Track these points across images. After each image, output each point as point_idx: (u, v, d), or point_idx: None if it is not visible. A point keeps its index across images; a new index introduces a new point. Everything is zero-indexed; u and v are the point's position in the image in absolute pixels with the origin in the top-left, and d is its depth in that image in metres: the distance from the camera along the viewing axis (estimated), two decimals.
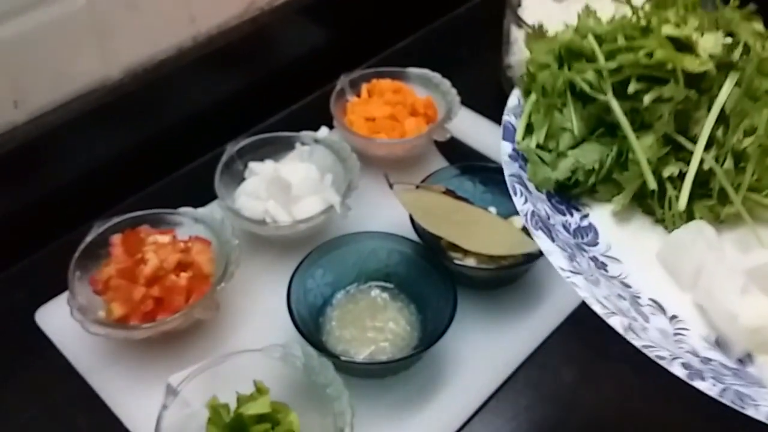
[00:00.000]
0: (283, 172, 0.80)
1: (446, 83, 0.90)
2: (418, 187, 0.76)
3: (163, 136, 0.89)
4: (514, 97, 0.61)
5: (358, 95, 0.92)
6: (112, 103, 0.81)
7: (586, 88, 0.56)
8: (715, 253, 0.54)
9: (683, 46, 0.55)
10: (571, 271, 0.49)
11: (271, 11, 0.94)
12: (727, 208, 0.56)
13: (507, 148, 0.58)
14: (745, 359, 0.50)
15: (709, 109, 0.55)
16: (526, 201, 0.54)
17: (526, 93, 0.60)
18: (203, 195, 0.80)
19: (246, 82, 0.95)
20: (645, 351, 0.46)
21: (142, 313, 0.67)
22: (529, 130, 0.59)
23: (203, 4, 0.86)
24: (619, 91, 0.55)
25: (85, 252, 0.71)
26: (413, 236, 0.74)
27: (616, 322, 0.46)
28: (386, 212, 0.78)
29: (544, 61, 0.59)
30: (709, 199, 0.57)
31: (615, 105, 0.55)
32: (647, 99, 0.54)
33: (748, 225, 0.56)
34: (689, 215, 0.57)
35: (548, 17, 0.87)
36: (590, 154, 0.57)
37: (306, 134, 0.84)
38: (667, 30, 0.55)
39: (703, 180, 0.56)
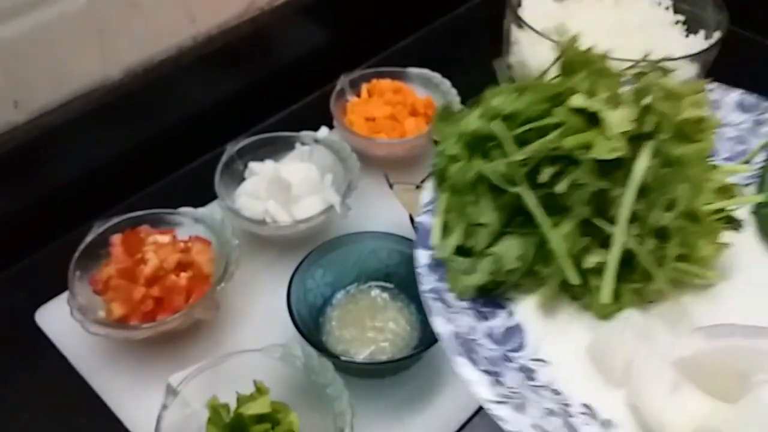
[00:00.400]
0: (283, 172, 0.80)
1: (446, 83, 0.90)
2: (418, 187, 0.76)
3: (163, 136, 0.89)
4: (428, 192, 0.58)
5: (358, 95, 0.92)
6: (112, 103, 0.81)
7: (498, 180, 0.53)
8: (645, 343, 0.52)
9: (595, 118, 0.52)
10: (496, 402, 0.47)
11: (271, 11, 0.94)
12: (653, 285, 0.54)
13: (423, 257, 0.54)
14: None
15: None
16: (445, 321, 0.51)
17: (439, 187, 0.57)
18: (203, 195, 0.80)
19: (246, 82, 0.95)
20: None
21: (142, 313, 0.68)
22: (446, 229, 0.56)
23: (203, 4, 0.86)
24: (534, 177, 0.52)
25: (85, 252, 0.71)
26: (413, 236, 0.74)
27: None
28: (386, 212, 0.78)
29: (453, 153, 0.55)
30: (634, 282, 0.55)
31: (528, 197, 0.52)
32: (560, 187, 0.51)
33: (676, 304, 0.54)
34: (616, 297, 0.55)
35: (548, 17, 0.88)
36: (511, 251, 0.53)
37: (306, 134, 0.84)
38: (576, 102, 0.52)
39: (628, 258, 0.54)
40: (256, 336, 0.71)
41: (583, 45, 0.56)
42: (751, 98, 0.69)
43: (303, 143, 0.84)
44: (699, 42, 0.85)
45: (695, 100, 0.55)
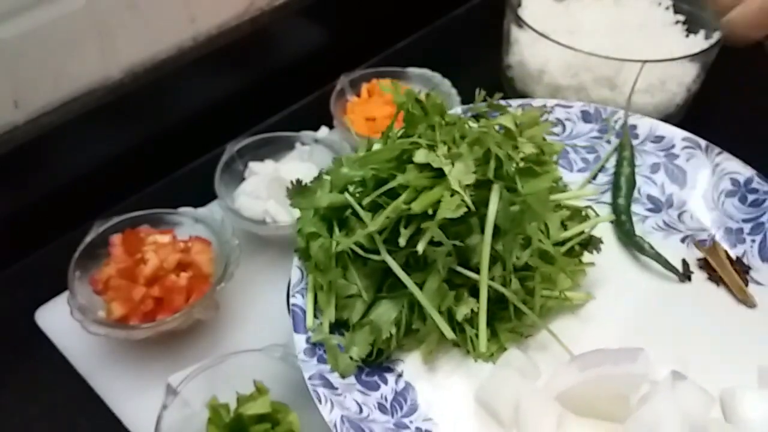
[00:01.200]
0: (283, 172, 0.80)
1: (446, 83, 0.90)
2: None
3: (163, 136, 0.89)
4: (296, 270, 0.58)
5: (358, 95, 0.92)
6: (112, 103, 0.81)
7: (360, 251, 0.54)
8: (529, 381, 0.55)
9: (441, 170, 0.54)
10: None
11: (271, 11, 0.94)
12: (526, 321, 0.57)
13: (301, 341, 0.55)
14: None
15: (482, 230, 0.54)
16: (332, 407, 0.51)
17: (304, 266, 0.58)
18: (203, 195, 0.80)
19: (246, 82, 0.95)
20: None
21: (142, 313, 0.68)
22: (318, 308, 0.57)
23: (203, 4, 0.86)
24: (394, 241, 0.53)
25: (85, 252, 0.71)
26: None
27: None
28: None
29: (311, 230, 0.56)
30: (509, 321, 0.57)
31: (392, 264, 0.53)
32: (420, 247, 0.52)
33: (551, 335, 0.56)
34: (494, 338, 0.57)
35: (548, 17, 0.88)
36: (385, 316, 0.55)
37: (306, 134, 0.84)
38: (420, 157, 0.53)
39: (499, 298, 0.56)
40: (256, 336, 0.71)
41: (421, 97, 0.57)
42: (592, 107, 0.73)
43: (303, 143, 0.84)
44: (699, 42, 0.85)
45: (531, 135, 0.57)
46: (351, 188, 0.57)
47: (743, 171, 0.68)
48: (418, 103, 0.57)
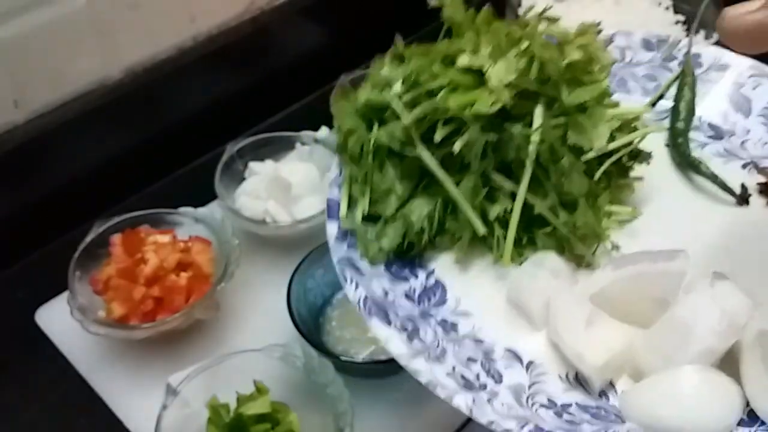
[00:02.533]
0: (283, 172, 0.80)
1: None
2: None
3: (163, 136, 0.89)
4: (335, 167, 0.59)
5: None
6: (112, 103, 0.81)
7: (396, 146, 0.53)
8: (562, 281, 0.53)
9: (482, 75, 0.52)
10: (411, 355, 0.47)
11: (271, 11, 0.94)
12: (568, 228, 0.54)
13: (332, 228, 0.55)
14: (608, 389, 0.49)
15: (526, 139, 0.52)
16: (357, 287, 0.51)
17: (342, 160, 0.57)
18: (203, 195, 0.80)
19: (246, 82, 0.95)
20: (491, 427, 0.45)
21: (142, 313, 0.68)
22: (353, 201, 0.56)
23: (203, 4, 0.86)
24: (432, 139, 0.52)
25: (85, 252, 0.71)
26: None
27: (460, 402, 0.45)
28: None
29: (351, 126, 0.56)
30: (548, 226, 0.55)
31: (427, 157, 0.53)
32: (457, 146, 0.51)
33: (578, 247, 0.55)
34: (533, 245, 0.56)
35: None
36: (418, 211, 0.54)
37: (306, 134, 0.84)
38: (463, 61, 0.52)
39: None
40: (256, 336, 0.71)
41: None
42: (655, 36, 0.71)
43: (303, 143, 0.84)
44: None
45: (582, 43, 0.55)
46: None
47: None
48: (465, 14, 0.56)
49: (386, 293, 0.52)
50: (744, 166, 0.65)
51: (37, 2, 0.72)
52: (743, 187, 0.63)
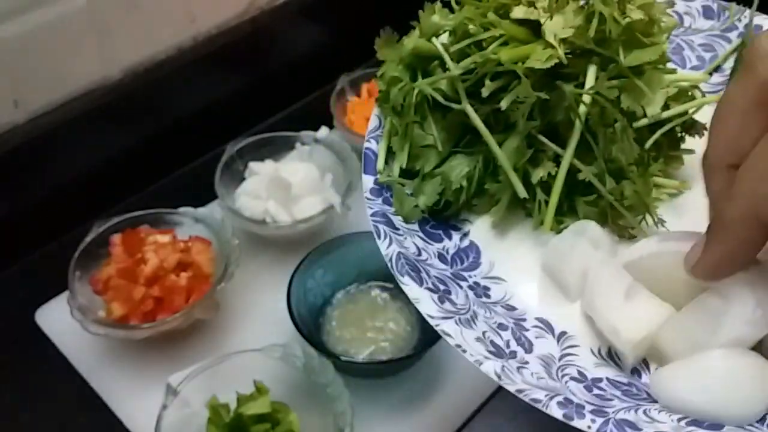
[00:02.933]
0: (283, 172, 0.79)
1: None
2: None
3: (163, 136, 0.89)
4: (375, 118, 0.56)
5: (358, 95, 0.92)
6: (112, 103, 0.81)
7: (440, 98, 0.51)
8: (601, 251, 0.51)
9: (539, 29, 0.50)
10: (442, 317, 0.46)
11: (271, 11, 0.94)
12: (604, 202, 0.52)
13: (369, 181, 0.53)
14: (640, 367, 0.48)
15: (577, 103, 0.50)
16: (390, 243, 0.50)
17: (383, 112, 0.55)
18: (203, 195, 0.80)
19: (246, 82, 0.95)
20: (519, 396, 0.43)
21: (142, 313, 0.68)
22: (391, 155, 0.54)
23: (203, 4, 0.86)
24: (478, 94, 0.50)
25: (85, 252, 0.71)
26: None
27: (489, 368, 0.44)
28: None
29: (394, 74, 0.53)
30: (591, 194, 0.53)
31: (472, 113, 0.50)
32: (504, 103, 0.49)
33: (627, 216, 0.52)
34: (574, 214, 0.53)
35: None
36: (458, 169, 0.52)
37: (306, 134, 0.84)
38: (518, 13, 0.50)
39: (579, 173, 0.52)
40: (256, 336, 0.71)
41: None
42: (716, 3, 0.68)
43: (303, 143, 0.84)
44: None
45: (643, 2, 0.53)
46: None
47: None
48: None
49: (420, 251, 0.51)
50: None
51: (37, 2, 0.72)
52: None
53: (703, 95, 0.56)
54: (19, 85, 0.75)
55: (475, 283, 0.51)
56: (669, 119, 0.54)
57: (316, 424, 0.61)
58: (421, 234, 0.53)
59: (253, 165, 0.81)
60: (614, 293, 0.48)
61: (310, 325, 0.69)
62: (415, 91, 0.52)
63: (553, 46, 0.49)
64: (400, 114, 0.53)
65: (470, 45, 0.51)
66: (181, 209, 0.76)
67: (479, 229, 0.54)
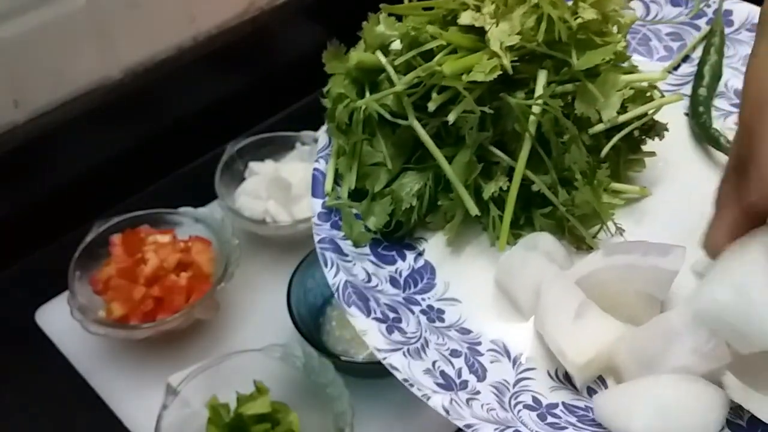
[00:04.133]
0: (283, 172, 0.79)
1: None
2: None
3: (163, 136, 0.89)
4: (323, 136, 0.54)
5: None
6: (112, 103, 0.81)
7: (387, 115, 0.49)
8: (556, 265, 0.48)
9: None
10: (390, 349, 0.44)
11: (271, 11, 0.94)
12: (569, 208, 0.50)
13: (317, 205, 0.51)
14: (597, 385, 0.46)
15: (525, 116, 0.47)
16: (337, 272, 0.48)
17: (330, 130, 0.53)
18: (203, 195, 0.80)
19: (246, 82, 0.95)
20: (467, 431, 0.42)
21: (142, 313, 0.68)
22: (340, 176, 0.52)
23: (203, 4, 0.86)
24: (426, 108, 0.48)
25: (85, 252, 0.71)
26: None
27: (437, 403, 0.42)
28: None
29: (339, 91, 0.51)
30: (547, 206, 0.50)
31: (419, 128, 0.48)
32: (452, 116, 0.47)
33: (575, 224, 0.50)
34: (531, 226, 0.51)
35: None
36: (408, 187, 0.50)
37: (306, 134, 0.84)
38: (465, 19, 0.47)
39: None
40: (256, 336, 0.71)
41: None
42: None
43: (303, 143, 0.84)
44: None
45: (597, 1, 0.49)
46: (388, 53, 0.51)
47: None
48: None
49: (370, 277, 0.49)
50: None
51: (37, 2, 0.72)
52: None
53: (662, 95, 0.53)
54: (19, 85, 0.75)
55: (429, 306, 0.49)
56: (627, 123, 0.51)
57: (316, 424, 0.61)
58: (372, 258, 0.50)
59: (253, 165, 0.81)
60: (564, 311, 0.46)
61: (310, 325, 0.69)
62: (362, 108, 0.50)
63: (497, 54, 0.46)
64: (346, 132, 0.51)
65: (416, 56, 0.48)
66: (181, 209, 0.76)
67: (434, 246, 0.52)
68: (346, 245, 0.50)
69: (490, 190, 0.49)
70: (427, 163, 0.50)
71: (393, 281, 0.50)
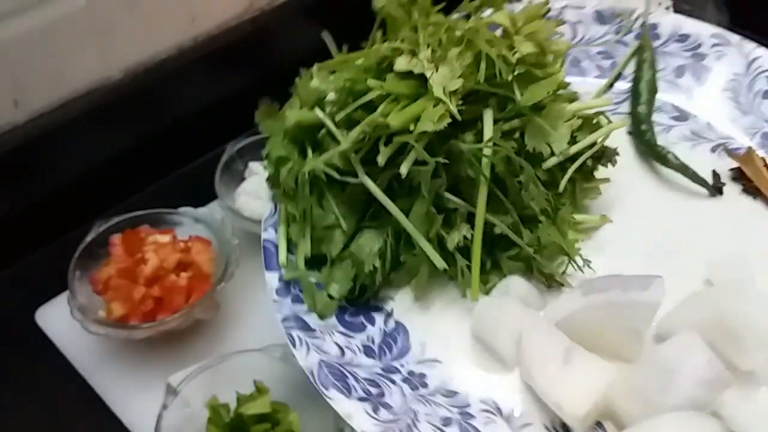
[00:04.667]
0: None
1: None
2: None
3: (163, 136, 0.89)
4: (270, 201, 0.51)
5: None
6: (112, 103, 0.81)
7: (335, 174, 0.46)
8: (530, 310, 0.47)
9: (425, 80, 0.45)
10: (379, 429, 0.42)
11: (271, 11, 0.94)
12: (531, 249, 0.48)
13: (272, 279, 0.48)
14: (595, 429, 0.45)
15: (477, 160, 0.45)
16: (308, 351, 0.45)
17: (276, 196, 0.50)
18: (203, 195, 0.80)
19: (246, 82, 0.95)
20: None
21: (142, 313, 0.68)
22: (293, 244, 0.49)
23: (203, 4, 0.86)
24: (374, 161, 0.45)
25: (85, 252, 0.71)
26: None
27: None
28: None
29: (280, 154, 0.48)
30: (513, 248, 0.49)
31: (371, 185, 0.46)
32: (403, 168, 0.45)
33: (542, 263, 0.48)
34: (498, 270, 0.49)
35: None
36: (368, 247, 0.47)
37: None
38: (401, 65, 0.46)
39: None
40: (256, 336, 0.71)
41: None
42: (608, 9, 0.64)
43: None
44: None
45: (530, 31, 0.48)
46: (325, 108, 0.49)
47: None
48: (401, 6, 0.48)
49: (343, 351, 0.47)
50: (713, 150, 0.59)
51: (37, 2, 0.72)
52: (715, 174, 0.57)
53: (609, 120, 0.53)
54: (19, 85, 0.75)
55: (410, 372, 0.47)
56: (579, 153, 0.50)
57: (316, 424, 0.61)
58: (341, 328, 0.48)
59: (253, 165, 0.81)
60: (551, 359, 0.44)
61: None
62: (306, 170, 0.47)
63: (443, 101, 0.44)
64: (294, 197, 0.48)
65: (357, 109, 0.46)
66: (181, 209, 0.76)
67: (402, 304, 0.50)
68: (312, 319, 0.48)
69: (454, 240, 0.47)
70: (383, 219, 0.48)
71: (367, 350, 0.48)
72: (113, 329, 0.67)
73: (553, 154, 0.49)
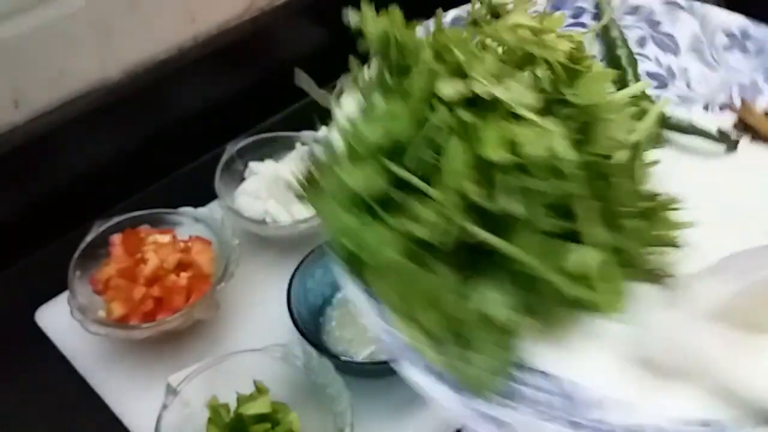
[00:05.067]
0: (283, 172, 0.80)
1: None
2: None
3: (163, 136, 0.89)
4: (360, 295, 0.43)
5: None
6: (112, 103, 0.81)
7: (440, 238, 0.39)
8: (675, 308, 0.43)
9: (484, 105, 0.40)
10: None
11: (271, 11, 0.94)
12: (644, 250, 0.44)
13: (420, 378, 0.38)
14: None
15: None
16: None
17: (366, 285, 0.42)
18: (203, 195, 0.80)
19: (246, 82, 0.95)
20: None
21: (142, 313, 0.68)
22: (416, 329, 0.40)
23: (203, 4, 0.86)
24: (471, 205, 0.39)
25: (85, 252, 0.71)
26: None
27: None
28: None
29: (350, 235, 0.41)
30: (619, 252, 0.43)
31: (481, 234, 0.39)
32: (519, 209, 0.39)
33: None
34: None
35: None
36: (497, 301, 0.40)
37: (306, 134, 0.84)
38: (448, 89, 0.40)
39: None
40: (256, 336, 0.71)
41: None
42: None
43: (303, 143, 0.84)
44: None
45: (552, 22, 0.46)
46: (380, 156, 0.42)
47: (733, 20, 0.61)
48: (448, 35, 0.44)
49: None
50: (705, 108, 0.59)
51: (37, 2, 0.72)
52: (720, 132, 0.56)
53: (652, 101, 0.52)
54: (19, 85, 0.75)
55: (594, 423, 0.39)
56: (639, 140, 0.46)
57: (316, 424, 0.61)
58: (498, 401, 0.39)
59: (253, 165, 0.81)
60: (741, 352, 0.40)
61: (310, 325, 0.69)
62: (400, 240, 0.39)
63: (532, 120, 0.39)
64: (398, 273, 0.40)
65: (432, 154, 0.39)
66: (181, 209, 0.76)
67: (541, 354, 0.42)
68: (490, 407, 0.40)
69: (574, 262, 0.41)
70: (490, 268, 0.41)
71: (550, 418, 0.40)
72: (113, 329, 0.67)
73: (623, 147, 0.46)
